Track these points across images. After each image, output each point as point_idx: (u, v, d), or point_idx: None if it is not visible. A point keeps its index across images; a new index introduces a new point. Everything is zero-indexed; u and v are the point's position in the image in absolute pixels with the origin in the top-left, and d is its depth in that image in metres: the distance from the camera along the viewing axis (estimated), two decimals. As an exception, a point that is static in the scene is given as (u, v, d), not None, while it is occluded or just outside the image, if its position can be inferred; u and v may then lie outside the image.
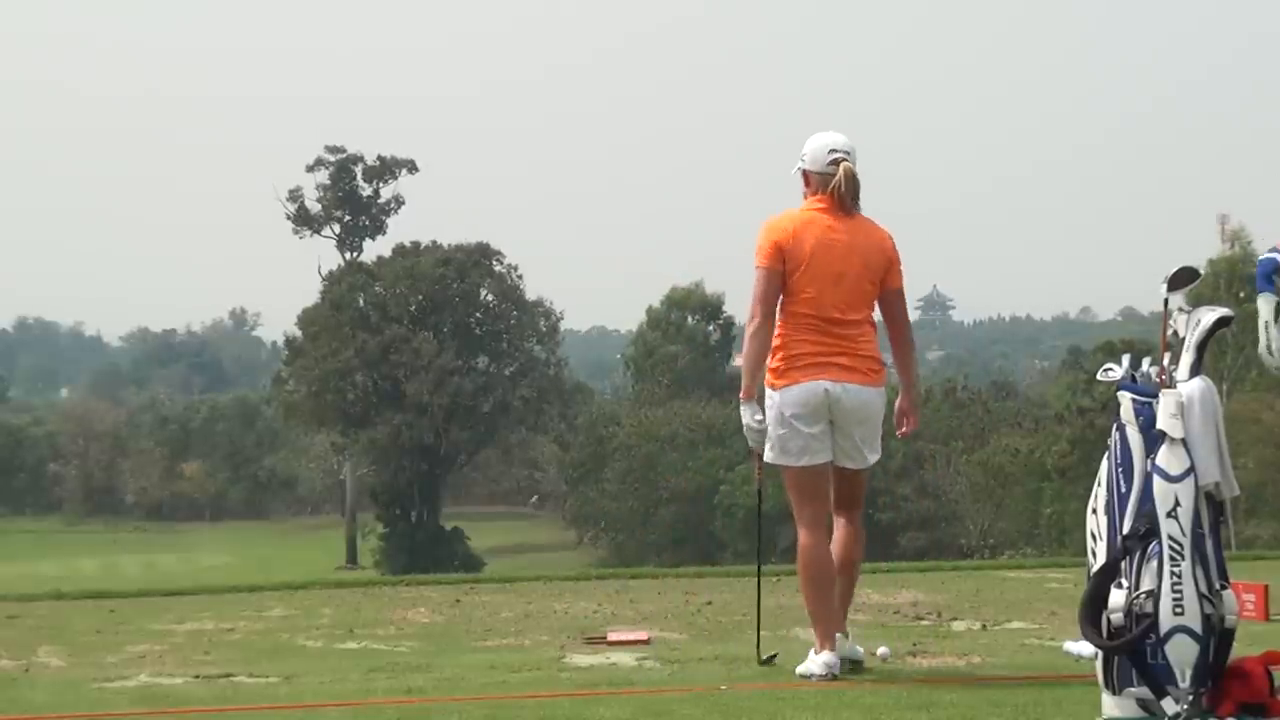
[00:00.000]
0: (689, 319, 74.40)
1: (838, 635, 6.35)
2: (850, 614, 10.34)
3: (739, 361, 6.85)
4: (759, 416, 6.31)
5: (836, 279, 6.22)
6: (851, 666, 6.40)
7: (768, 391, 6.31)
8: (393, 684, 6.56)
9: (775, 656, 6.85)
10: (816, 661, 6.21)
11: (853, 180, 6.29)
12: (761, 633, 7.14)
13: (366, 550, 66.14)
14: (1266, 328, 5.03)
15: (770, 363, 6.30)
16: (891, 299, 6.42)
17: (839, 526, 6.56)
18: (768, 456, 6.36)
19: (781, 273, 6.23)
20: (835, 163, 6.32)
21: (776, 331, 6.30)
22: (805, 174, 6.42)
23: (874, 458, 6.46)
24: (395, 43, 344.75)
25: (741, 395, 6.35)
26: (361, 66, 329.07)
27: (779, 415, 6.26)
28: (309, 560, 58.04)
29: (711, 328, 75.03)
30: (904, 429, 6.59)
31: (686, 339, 73.80)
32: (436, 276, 64.54)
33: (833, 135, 6.42)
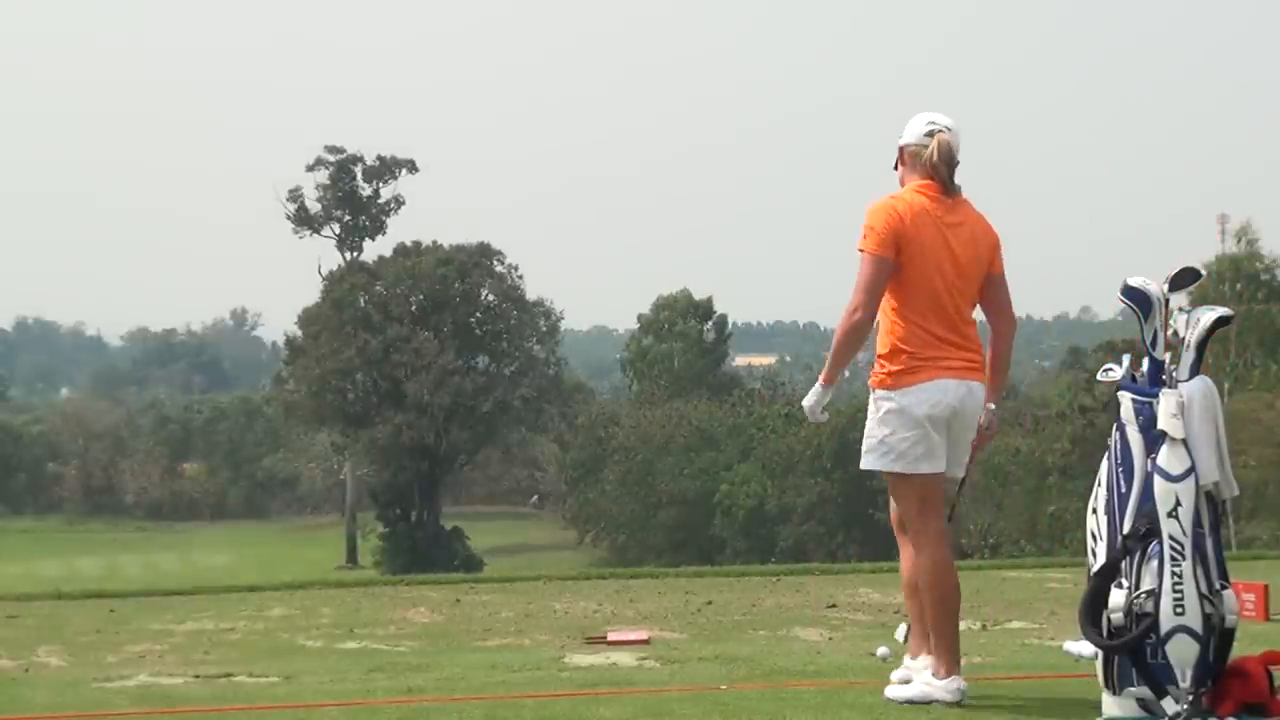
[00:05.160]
0: (680, 320, 74.58)
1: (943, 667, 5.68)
2: (850, 614, 10.38)
3: (818, 398, 5.93)
4: (825, 404, 5.87)
5: (956, 269, 5.74)
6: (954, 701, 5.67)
7: (882, 393, 5.74)
8: (393, 684, 6.56)
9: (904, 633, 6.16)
10: (940, 688, 5.58)
11: (948, 152, 5.80)
12: (761, 632, 7.12)
13: (366, 550, 66.11)
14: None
15: (889, 363, 5.74)
16: (995, 282, 5.89)
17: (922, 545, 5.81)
18: (881, 464, 5.74)
19: (892, 261, 5.68)
20: (931, 135, 5.83)
21: (888, 327, 5.77)
22: (901, 150, 5.93)
23: (967, 464, 5.94)
24: (395, 43, 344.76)
25: (822, 379, 5.86)
26: (361, 67, 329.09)
27: (907, 417, 5.66)
28: (309, 560, 58.01)
29: (708, 326, 75.14)
30: (984, 438, 5.97)
31: (679, 337, 73.97)
32: (437, 276, 64.51)
33: (934, 113, 5.93)
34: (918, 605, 5.79)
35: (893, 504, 5.91)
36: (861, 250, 5.72)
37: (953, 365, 5.71)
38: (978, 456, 6.09)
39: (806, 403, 5.93)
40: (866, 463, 5.82)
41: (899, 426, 5.68)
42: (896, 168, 5.97)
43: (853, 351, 5.84)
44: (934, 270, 5.71)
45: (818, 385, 5.90)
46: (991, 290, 5.89)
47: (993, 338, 6.00)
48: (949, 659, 5.60)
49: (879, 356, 5.81)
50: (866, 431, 5.81)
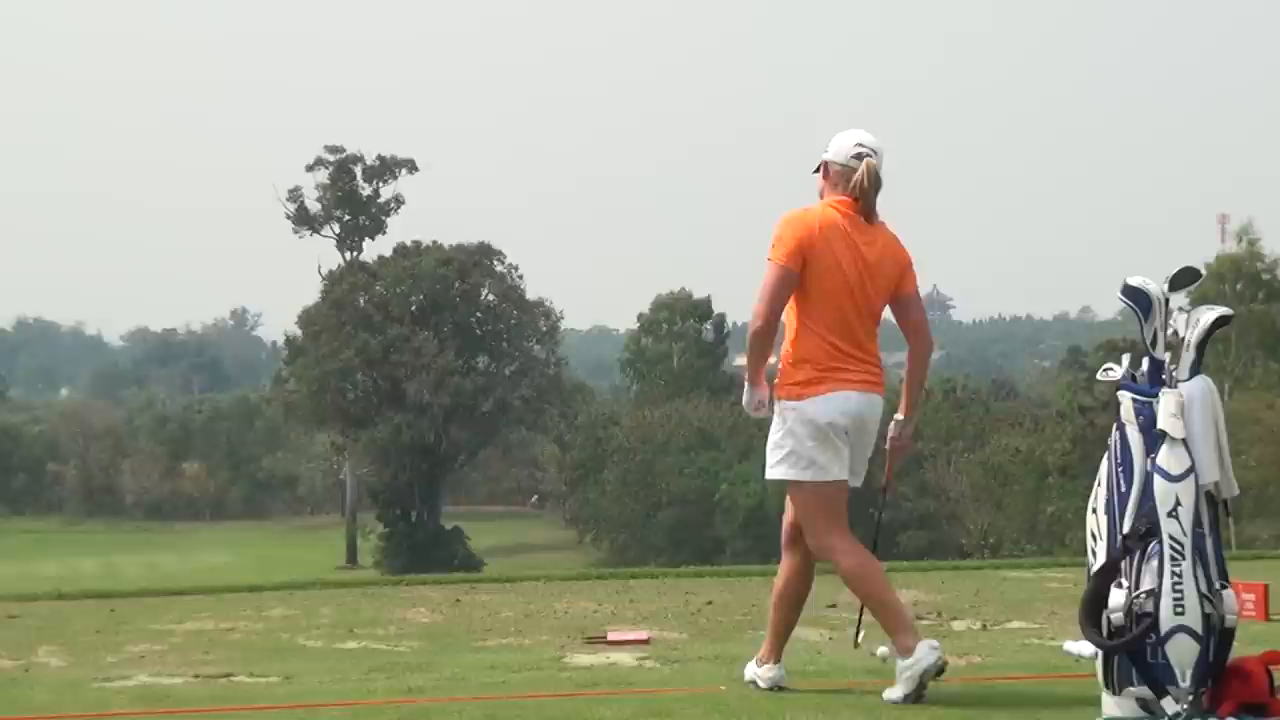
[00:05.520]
0: (679, 320, 74.59)
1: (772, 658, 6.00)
2: (850, 614, 10.35)
3: (741, 361, 6.51)
4: (759, 400, 5.93)
5: (861, 287, 5.83)
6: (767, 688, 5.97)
7: (788, 404, 5.84)
8: (393, 684, 6.56)
9: (860, 635, 6.51)
10: (925, 652, 5.64)
11: (875, 179, 5.87)
12: (761, 632, 7.11)
13: (366, 550, 66.13)
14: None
15: (794, 374, 5.85)
16: (907, 302, 5.99)
17: (799, 554, 6.00)
18: (785, 473, 5.86)
19: (797, 273, 5.80)
20: (859, 158, 5.90)
21: (791, 338, 5.91)
22: (825, 166, 6.00)
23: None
24: (395, 43, 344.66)
25: (748, 380, 5.96)
26: (361, 67, 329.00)
27: (811, 427, 5.77)
28: (309, 560, 58.04)
29: (707, 325, 75.14)
30: (897, 450, 6.15)
31: (677, 337, 74.01)
32: (437, 276, 64.54)
33: (862, 132, 6.00)
34: (779, 616, 6.05)
35: (787, 514, 6.02)
36: (769, 260, 5.85)
37: (852, 379, 5.83)
38: (895, 468, 6.26)
39: (744, 401, 6.06)
40: (775, 473, 5.91)
41: (806, 436, 5.80)
42: (818, 171, 6.05)
43: (763, 356, 5.96)
44: (839, 285, 5.82)
45: (746, 385, 6.02)
46: (905, 310, 6.02)
47: (909, 356, 6.12)
48: (906, 631, 5.73)
49: (783, 366, 5.92)
50: (772, 442, 5.92)
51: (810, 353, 5.84)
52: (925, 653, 5.59)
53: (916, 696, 5.59)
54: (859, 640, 6.44)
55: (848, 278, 5.81)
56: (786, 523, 6.05)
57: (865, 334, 5.89)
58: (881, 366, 5.98)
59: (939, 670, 5.62)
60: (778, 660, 6.05)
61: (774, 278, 5.82)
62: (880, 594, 5.84)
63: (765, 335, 5.88)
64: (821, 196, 6.02)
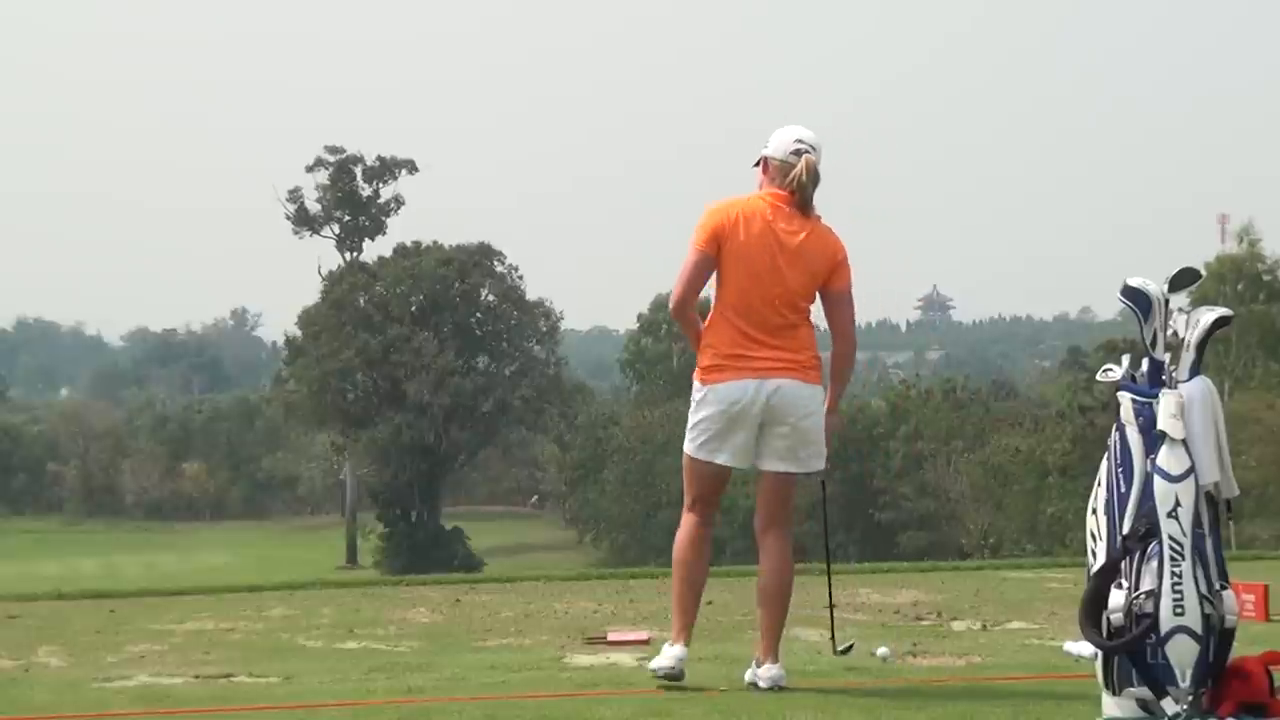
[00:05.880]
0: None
1: (769, 659, 5.97)
2: (850, 614, 10.36)
3: None
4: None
5: (777, 277, 5.88)
6: (767, 688, 5.88)
7: (696, 385, 6.04)
8: (393, 684, 6.56)
9: (852, 647, 6.79)
10: (665, 654, 6.01)
11: (814, 174, 5.93)
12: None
13: (366, 550, 66.14)
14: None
15: (701, 358, 6.03)
16: (834, 299, 6.02)
17: (766, 548, 6.12)
18: (687, 448, 6.10)
19: (713, 258, 5.93)
20: (798, 154, 5.95)
21: (708, 323, 6.04)
22: (765, 161, 6.05)
23: (815, 464, 6.05)
24: (396, 43, 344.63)
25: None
26: (361, 67, 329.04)
27: (711, 410, 5.95)
28: (309, 560, 58.05)
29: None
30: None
31: (677, 338, 74.03)
32: (438, 276, 64.52)
33: (801, 128, 6.05)
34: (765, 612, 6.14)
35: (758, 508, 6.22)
36: (690, 244, 6.00)
37: (757, 365, 5.92)
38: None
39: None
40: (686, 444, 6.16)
41: (704, 418, 6.01)
42: (758, 165, 6.12)
43: (689, 335, 6.16)
44: (749, 272, 5.91)
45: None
46: (832, 308, 6.08)
47: (831, 354, 6.22)
48: (678, 626, 6.06)
49: (699, 349, 6.12)
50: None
51: (715, 338, 6.00)
52: (669, 655, 5.98)
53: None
54: (838, 649, 6.62)
55: (759, 265, 5.89)
56: (757, 516, 6.19)
57: (781, 323, 5.94)
58: (806, 352, 5.99)
59: (668, 676, 5.92)
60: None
61: (687, 261, 5.99)
62: (676, 584, 6.17)
63: (677, 316, 6.14)
64: (760, 188, 6.09)
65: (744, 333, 5.93)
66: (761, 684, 5.92)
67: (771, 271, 5.90)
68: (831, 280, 5.99)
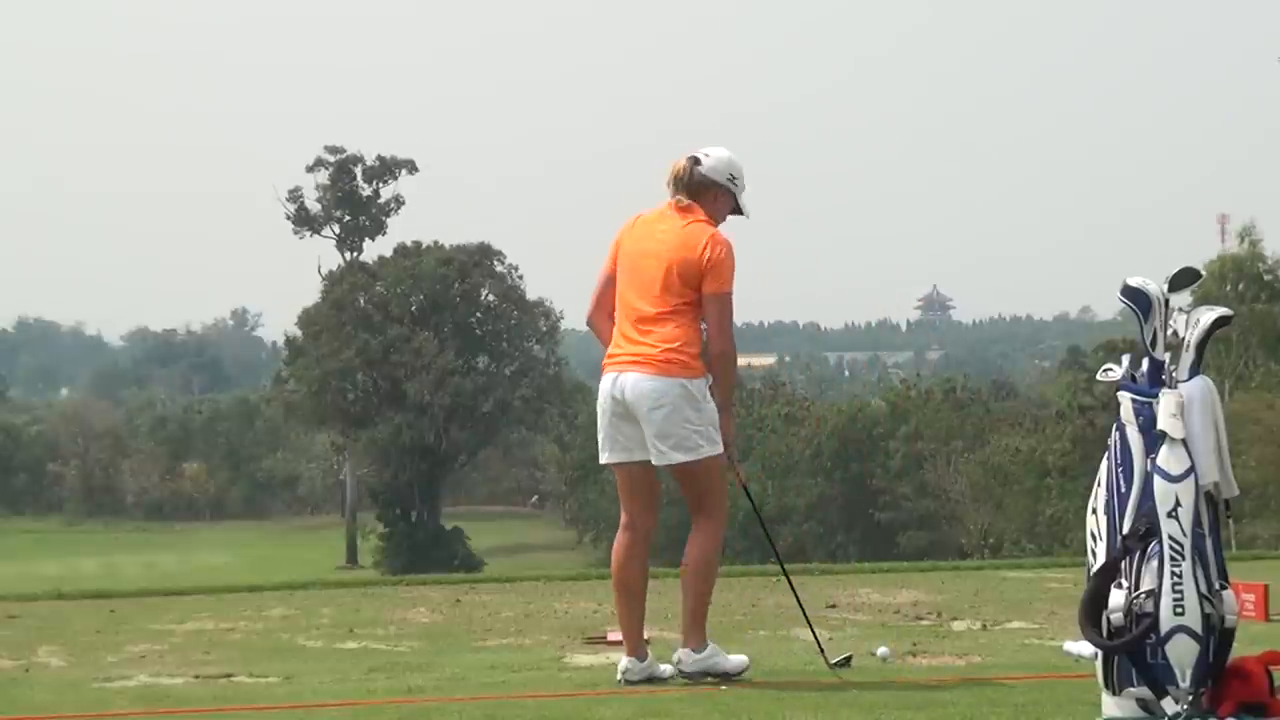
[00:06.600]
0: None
1: (689, 643, 6.20)
2: (850, 614, 10.36)
3: None
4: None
5: (635, 273, 6.14)
6: (669, 675, 6.17)
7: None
8: (393, 684, 6.56)
9: (850, 659, 6.66)
10: (620, 664, 6.26)
11: (676, 175, 6.20)
12: (761, 632, 7.11)
13: (366, 550, 66.12)
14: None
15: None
16: (705, 301, 6.11)
17: (689, 536, 6.42)
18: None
19: (610, 269, 6.28)
20: (733, 179, 6.32)
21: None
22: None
23: (680, 456, 6.04)
24: (396, 43, 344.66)
25: None
26: (361, 67, 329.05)
27: (599, 411, 6.25)
28: (309, 560, 58.04)
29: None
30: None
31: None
32: (438, 276, 64.50)
33: (719, 148, 6.37)
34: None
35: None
36: None
37: (617, 361, 6.13)
38: (734, 459, 6.48)
39: None
40: None
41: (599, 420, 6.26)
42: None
43: (603, 343, 6.31)
44: (623, 272, 6.20)
45: None
46: (704, 310, 6.16)
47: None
48: (635, 641, 6.23)
49: None
50: None
51: (608, 342, 6.25)
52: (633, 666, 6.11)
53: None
54: (832, 662, 6.58)
55: (628, 264, 6.17)
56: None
57: (649, 319, 6.09)
58: (665, 346, 6.03)
59: (630, 681, 6.05)
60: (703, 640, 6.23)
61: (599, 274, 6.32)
62: (615, 588, 6.51)
63: (590, 326, 6.39)
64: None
65: (620, 331, 6.18)
66: (672, 668, 6.15)
67: (636, 271, 6.13)
68: (703, 283, 6.10)
